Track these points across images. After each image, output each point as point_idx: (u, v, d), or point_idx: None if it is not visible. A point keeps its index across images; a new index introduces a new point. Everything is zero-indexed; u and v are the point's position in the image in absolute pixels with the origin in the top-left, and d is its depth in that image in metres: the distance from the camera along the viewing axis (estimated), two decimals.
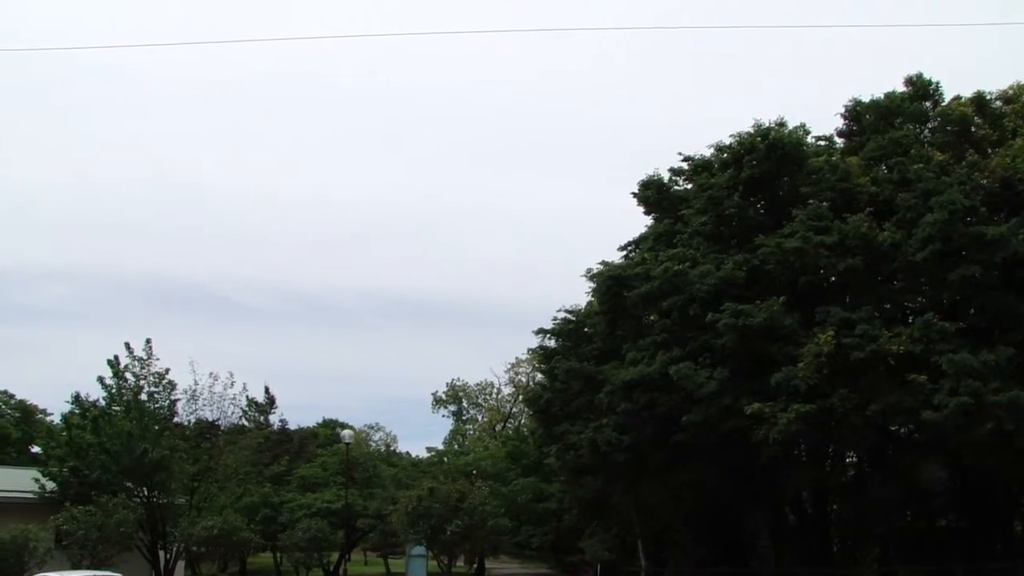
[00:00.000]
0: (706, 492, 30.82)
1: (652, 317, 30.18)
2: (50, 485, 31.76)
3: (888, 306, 28.41)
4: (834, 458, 32.23)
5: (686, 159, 32.90)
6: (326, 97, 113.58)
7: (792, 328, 26.45)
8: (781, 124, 30.00)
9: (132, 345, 32.82)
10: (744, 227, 29.58)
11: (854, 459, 32.33)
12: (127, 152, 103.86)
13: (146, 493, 31.93)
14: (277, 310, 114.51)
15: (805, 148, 30.20)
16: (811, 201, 28.84)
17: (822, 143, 31.86)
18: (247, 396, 40.34)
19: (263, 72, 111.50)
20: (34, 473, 32.39)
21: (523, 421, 62.20)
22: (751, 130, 29.88)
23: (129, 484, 31.72)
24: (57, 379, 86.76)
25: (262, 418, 58.27)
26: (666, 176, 33.40)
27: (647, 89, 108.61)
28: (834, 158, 30.03)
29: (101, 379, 32.76)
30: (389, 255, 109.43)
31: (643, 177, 33.22)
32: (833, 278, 28.06)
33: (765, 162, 29.37)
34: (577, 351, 33.54)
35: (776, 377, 25.61)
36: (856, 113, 31.61)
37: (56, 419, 43.87)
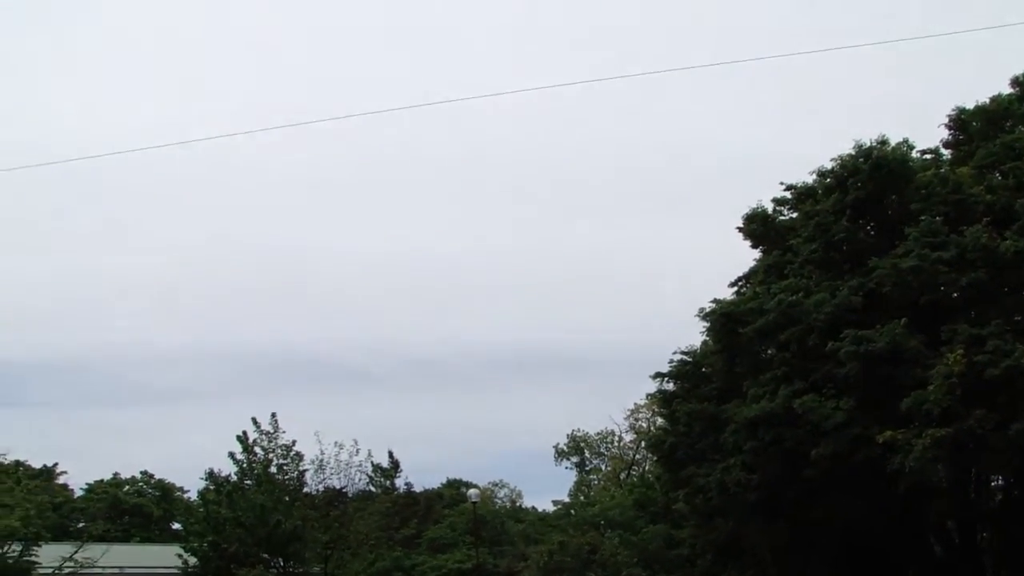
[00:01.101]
0: (843, 528, 29.69)
1: (770, 351, 29.61)
2: (192, 560, 32.87)
3: (1018, 318, 27.11)
4: (978, 483, 30.67)
5: (788, 188, 32.45)
6: (423, 155, 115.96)
7: (917, 350, 25.49)
8: (883, 142, 29.27)
9: (259, 419, 33.93)
10: (856, 251, 28.85)
11: (1000, 483, 30.72)
12: (234, 227, 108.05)
13: (282, 563, 32.71)
14: (393, 373, 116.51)
15: (911, 164, 29.35)
16: (923, 217, 27.89)
17: (928, 156, 30.92)
18: (372, 462, 41.29)
19: (360, 140, 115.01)
20: (176, 549, 33.61)
21: (647, 467, 61.30)
22: (852, 151, 29.29)
23: (265, 555, 32.56)
24: (191, 456, 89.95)
25: (388, 483, 58.85)
26: (770, 207, 33.03)
27: (733, 117, 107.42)
28: (943, 170, 29.08)
29: (232, 455, 33.97)
30: (498, 310, 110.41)
31: (747, 210, 32.97)
32: (955, 294, 26.99)
33: (870, 182, 28.67)
34: (697, 392, 33.04)
35: (906, 402, 24.65)
36: (961, 121, 30.63)
37: (193, 496, 45.49)
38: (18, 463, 44.09)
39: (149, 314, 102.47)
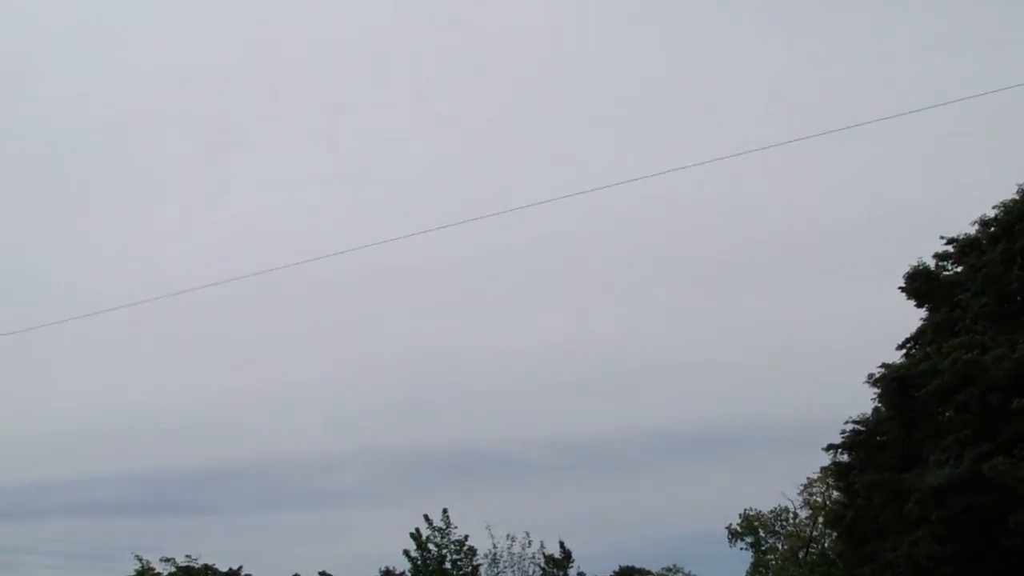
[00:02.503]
0: None
1: (948, 414, 28.28)
2: None
3: None
4: None
5: (950, 241, 31.32)
6: (573, 243, 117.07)
7: None
8: None
9: (431, 516, 34.54)
10: None
11: None
12: (388, 330, 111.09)
13: None
14: (555, 463, 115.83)
15: None
16: None
17: None
18: (544, 553, 41.05)
19: (508, 231, 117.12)
20: None
21: (827, 544, 58.58)
22: (1016, 196, 28.13)
23: None
24: (366, 556, 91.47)
25: (561, 573, 58.48)
26: (931, 263, 31.92)
27: (875, 175, 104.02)
28: None
29: (406, 552, 34.60)
30: (656, 392, 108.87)
31: (907, 269, 32.01)
32: None
33: None
34: (874, 462, 31.72)
35: None
36: None
37: None
38: (207, 567, 46.38)
39: (317, 420, 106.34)
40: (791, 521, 69.75)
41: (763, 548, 71.87)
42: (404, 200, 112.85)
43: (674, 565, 79.86)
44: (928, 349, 29.37)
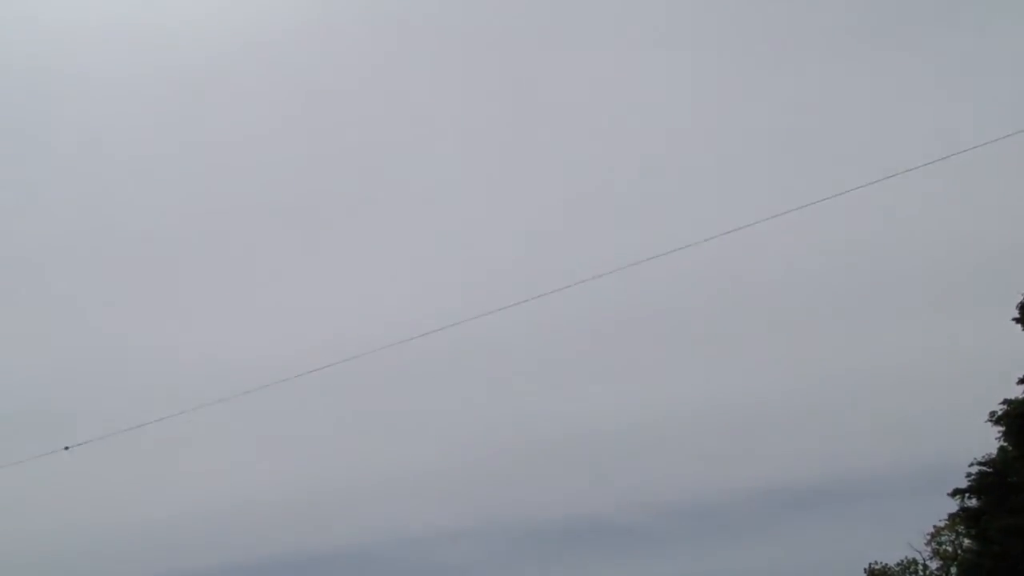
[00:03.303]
0: None
1: None
2: None
3: None
4: None
5: None
6: (665, 306, 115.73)
7: None
8: None
9: None
10: None
11: None
12: (491, 402, 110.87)
13: None
14: (673, 527, 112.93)
15: None
16: None
17: None
18: None
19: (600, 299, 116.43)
20: None
21: None
22: None
23: None
24: None
25: None
26: None
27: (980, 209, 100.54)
28: None
29: None
30: (769, 448, 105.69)
31: (1020, 298, 30.62)
32: None
33: None
34: (1005, 505, 30.06)
35: None
36: None
37: None
38: None
39: (432, 497, 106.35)
40: (921, 573, 66.51)
41: None
42: (505, 272, 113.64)
43: None
44: None
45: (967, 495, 32.39)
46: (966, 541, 40.88)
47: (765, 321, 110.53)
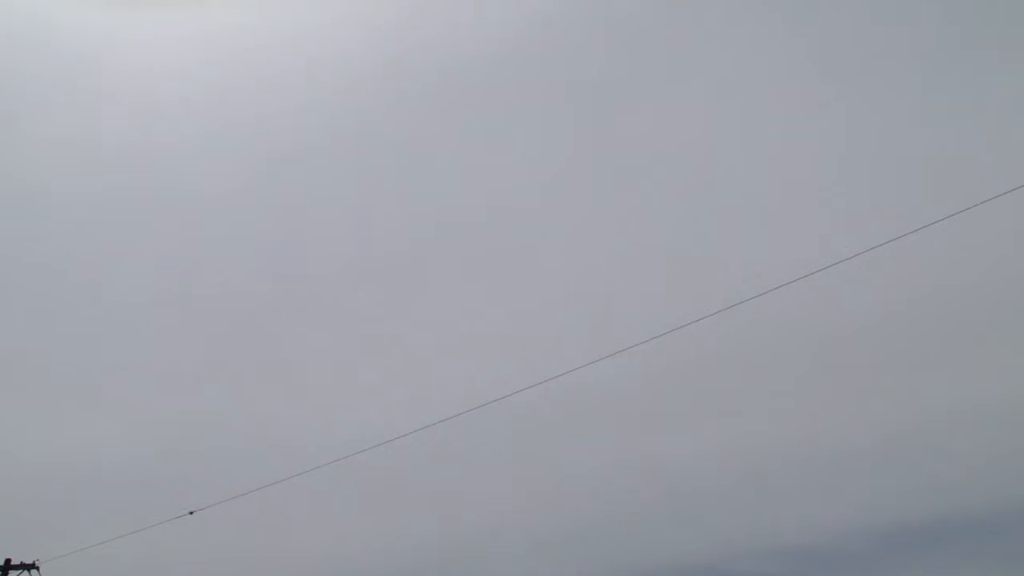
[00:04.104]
0: None
1: None
2: None
3: None
4: None
5: None
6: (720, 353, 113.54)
7: None
8: None
9: None
10: None
11: None
12: (589, 448, 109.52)
13: None
14: (781, 571, 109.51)
15: None
16: None
17: None
18: None
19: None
20: None
21: None
22: None
23: None
24: None
25: None
26: None
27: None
28: None
29: None
30: (869, 486, 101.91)
31: None
32: None
33: None
34: None
35: None
36: None
37: None
38: None
39: (523, 548, 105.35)
40: None
41: None
42: (611, 319, 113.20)
43: None
44: None
45: None
46: None
47: (880, 354, 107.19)
